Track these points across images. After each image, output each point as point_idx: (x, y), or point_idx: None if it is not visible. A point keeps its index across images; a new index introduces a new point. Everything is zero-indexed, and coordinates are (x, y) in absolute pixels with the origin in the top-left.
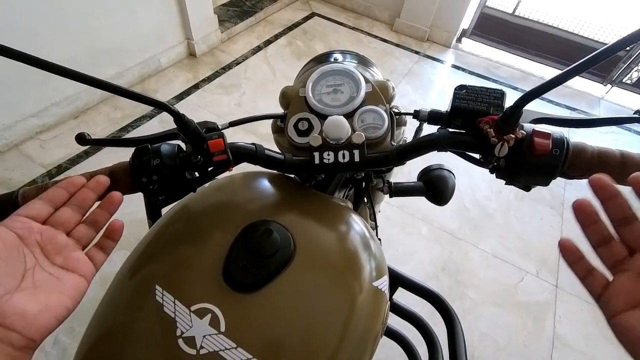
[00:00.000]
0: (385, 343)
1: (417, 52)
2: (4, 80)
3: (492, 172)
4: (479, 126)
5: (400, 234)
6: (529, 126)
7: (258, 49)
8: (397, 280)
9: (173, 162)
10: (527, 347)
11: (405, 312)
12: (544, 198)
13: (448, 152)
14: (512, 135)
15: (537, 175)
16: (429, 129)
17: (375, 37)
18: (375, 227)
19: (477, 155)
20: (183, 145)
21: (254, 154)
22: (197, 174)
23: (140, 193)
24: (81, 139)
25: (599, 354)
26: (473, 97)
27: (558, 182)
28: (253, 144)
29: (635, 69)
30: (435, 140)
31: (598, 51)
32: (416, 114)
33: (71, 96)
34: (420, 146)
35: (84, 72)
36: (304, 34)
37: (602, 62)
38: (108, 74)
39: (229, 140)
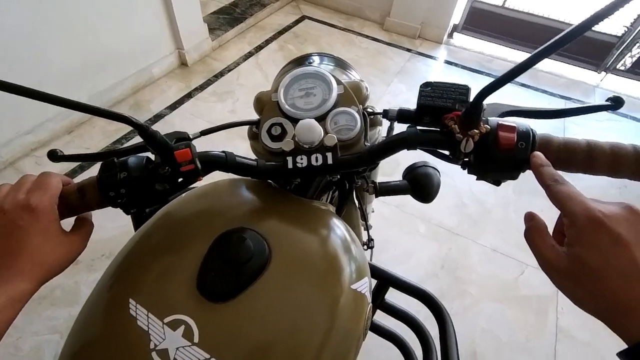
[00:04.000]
0: (383, 344)
1: (409, 50)
2: None
3: (463, 169)
4: (444, 122)
5: (398, 233)
6: (494, 120)
7: (250, 54)
8: (388, 281)
9: (140, 175)
10: (529, 341)
11: (398, 312)
12: (541, 190)
13: (418, 149)
14: (476, 131)
15: (505, 170)
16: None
17: (367, 37)
18: (367, 228)
19: (447, 152)
20: (153, 157)
21: (224, 162)
22: (167, 186)
23: None
24: (53, 155)
25: (603, 344)
26: (439, 93)
27: None
28: (223, 151)
29: (629, 54)
30: (404, 139)
31: (559, 36)
32: (385, 114)
33: (65, 111)
34: (390, 145)
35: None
36: (295, 38)
37: (567, 45)
38: (101, 87)
39: (226, 148)
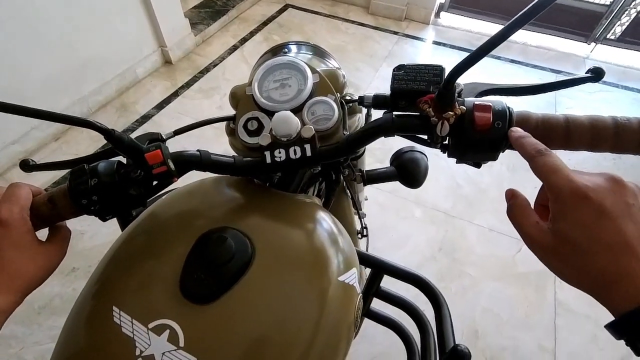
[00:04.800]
0: (386, 330)
1: (395, 33)
2: None
3: (443, 152)
4: (419, 106)
5: (394, 219)
6: (470, 100)
7: (234, 48)
8: (381, 268)
9: (112, 180)
10: (529, 317)
11: (394, 298)
12: None
13: (395, 136)
14: (451, 113)
15: (482, 151)
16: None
17: (353, 22)
18: (360, 217)
19: (425, 136)
20: (125, 161)
21: (199, 161)
22: (142, 190)
23: None
24: (25, 165)
25: (602, 315)
26: (412, 76)
27: None
28: (198, 150)
29: (618, 23)
30: (380, 126)
31: (530, 6)
32: (361, 100)
33: None
34: (367, 134)
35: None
36: (279, 28)
37: (538, 15)
38: (84, 92)
39: (214, 145)
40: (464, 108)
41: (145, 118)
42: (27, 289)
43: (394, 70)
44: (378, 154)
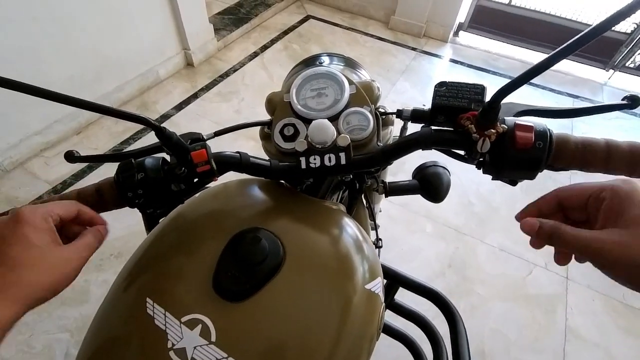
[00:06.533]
0: (392, 343)
1: (414, 49)
2: (7, 100)
3: (478, 168)
4: (460, 122)
5: (405, 232)
6: (510, 120)
7: (255, 54)
8: (397, 280)
9: (157, 175)
10: (538, 341)
11: (408, 312)
12: (549, 189)
13: (432, 149)
14: (493, 130)
15: (522, 169)
16: (416, 127)
17: (372, 36)
18: (375, 228)
19: (462, 152)
20: (169, 158)
21: (238, 163)
22: (183, 186)
23: None
24: (70, 156)
25: (613, 344)
26: (453, 93)
27: (563, 172)
28: (238, 152)
29: (639, 52)
30: (418, 139)
31: (579, 35)
32: (399, 113)
33: (73, 112)
34: (404, 145)
35: (71, 91)
36: (299, 37)
37: (584, 47)
38: (107, 88)
39: (231, 148)
40: (505, 127)
41: (164, 117)
42: (34, 300)
43: (435, 87)
44: (391, 166)
